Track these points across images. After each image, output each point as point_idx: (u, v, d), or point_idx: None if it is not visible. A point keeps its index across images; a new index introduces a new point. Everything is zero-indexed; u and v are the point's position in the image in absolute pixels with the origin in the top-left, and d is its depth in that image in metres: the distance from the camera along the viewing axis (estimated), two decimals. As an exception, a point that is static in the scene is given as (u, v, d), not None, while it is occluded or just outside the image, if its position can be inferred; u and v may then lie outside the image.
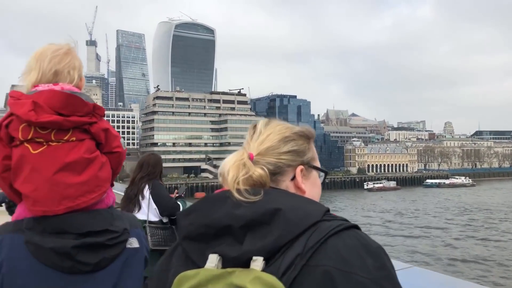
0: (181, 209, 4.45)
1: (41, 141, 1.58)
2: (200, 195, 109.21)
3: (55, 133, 1.58)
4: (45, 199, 1.54)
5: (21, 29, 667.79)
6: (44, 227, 1.55)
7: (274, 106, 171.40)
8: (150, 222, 4.41)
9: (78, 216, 1.58)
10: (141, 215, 4.34)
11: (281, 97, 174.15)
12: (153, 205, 4.42)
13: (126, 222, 1.71)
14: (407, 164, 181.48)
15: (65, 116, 1.58)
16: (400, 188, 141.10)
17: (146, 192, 4.44)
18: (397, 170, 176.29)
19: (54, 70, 1.74)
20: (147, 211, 4.41)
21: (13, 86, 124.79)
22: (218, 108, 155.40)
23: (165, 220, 4.50)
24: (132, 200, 4.45)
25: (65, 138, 1.60)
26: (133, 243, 1.70)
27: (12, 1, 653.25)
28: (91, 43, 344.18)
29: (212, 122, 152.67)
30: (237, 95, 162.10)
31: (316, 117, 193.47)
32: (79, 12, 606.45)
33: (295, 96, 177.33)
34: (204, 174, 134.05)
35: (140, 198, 4.43)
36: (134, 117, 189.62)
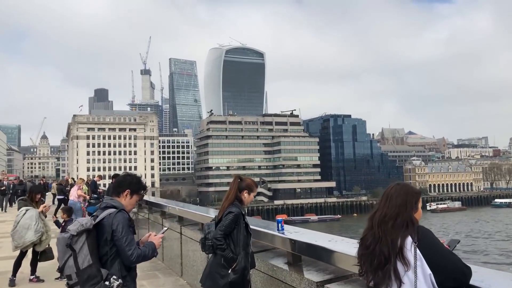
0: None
1: None
2: (281, 217, 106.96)
3: None
4: None
5: (79, 61, 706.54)
6: None
7: (328, 127, 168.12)
8: None
9: None
10: None
11: (335, 117, 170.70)
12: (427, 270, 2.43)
13: None
14: (471, 183, 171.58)
15: None
16: (466, 208, 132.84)
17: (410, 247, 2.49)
18: (461, 189, 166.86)
19: None
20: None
21: (74, 116, 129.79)
22: (270, 130, 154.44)
23: None
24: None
25: None
26: None
27: (69, 33, 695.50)
28: (146, 72, 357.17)
29: (265, 145, 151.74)
30: (289, 116, 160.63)
31: (371, 136, 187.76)
32: (133, 43, 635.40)
33: (350, 116, 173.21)
34: (258, 198, 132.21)
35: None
36: (188, 142, 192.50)
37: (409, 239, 2.47)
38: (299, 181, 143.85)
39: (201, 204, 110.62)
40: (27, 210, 7.90)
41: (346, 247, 3.71)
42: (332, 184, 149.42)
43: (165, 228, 4.06)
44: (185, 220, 8.55)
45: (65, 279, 7.83)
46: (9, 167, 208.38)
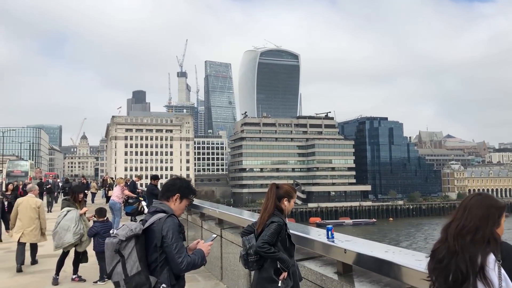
0: None
1: None
2: (315, 220, 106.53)
3: None
4: None
5: (117, 64, 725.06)
6: None
7: (363, 129, 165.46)
8: None
9: None
10: None
11: (371, 119, 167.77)
12: None
13: None
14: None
15: None
16: (509, 215, 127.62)
17: None
18: (503, 195, 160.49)
19: None
20: None
21: (113, 117, 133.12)
22: (305, 132, 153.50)
23: None
24: None
25: None
26: None
27: (107, 38, 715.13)
28: (182, 74, 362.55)
29: (299, 147, 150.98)
30: (324, 118, 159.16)
31: (408, 139, 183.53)
32: (170, 46, 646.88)
33: (386, 118, 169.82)
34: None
35: None
36: (222, 144, 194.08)
37: (491, 257, 2.22)
38: (333, 184, 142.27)
39: (234, 205, 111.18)
40: (68, 212, 7.99)
41: (406, 259, 3.46)
42: (367, 187, 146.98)
43: (214, 236, 3.87)
44: (225, 223, 8.44)
45: (103, 283, 7.92)
46: (51, 166, 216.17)
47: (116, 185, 15.85)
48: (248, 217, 7.07)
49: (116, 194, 14.95)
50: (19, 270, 9.11)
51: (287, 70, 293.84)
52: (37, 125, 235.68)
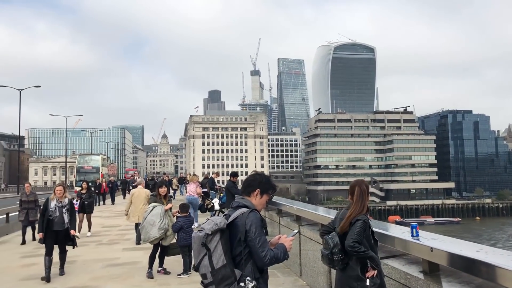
0: None
1: None
2: (394, 218, 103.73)
3: None
4: None
5: (193, 65, 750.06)
6: None
7: (445, 124, 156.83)
8: None
9: None
10: None
11: (454, 113, 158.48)
12: None
13: None
14: None
15: None
16: None
17: None
18: None
19: None
20: None
21: (191, 116, 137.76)
22: (382, 128, 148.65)
23: None
24: None
25: None
26: None
27: (183, 40, 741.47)
28: (255, 73, 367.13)
29: (377, 143, 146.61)
30: (403, 113, 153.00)
31: (496, 133, 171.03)
32: (244, 45, 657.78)
33: (471, 111, 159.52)
34: (370, 198, 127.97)
35: None
36: (296, 141, 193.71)
37: None
38: (413, 181, 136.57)
39: (310, 202, 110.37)
40: (154, 207, 8.40)
41: (501, 259, 3.25)
42: (451, 185, 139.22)
43: (296, 231, 3.90)
44: (303, 220, 8.44)
45: (186, 275, 8.25)
46: (134, 164, 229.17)
47: (190, 182, 16.37)
48: (327, 214, 7.01)
49: (193, 190, 15.49)
50: (138, 243, 11.03)
51: (363, 64, 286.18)
52: (121, 125, 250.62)
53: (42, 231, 8.47)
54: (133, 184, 25.75)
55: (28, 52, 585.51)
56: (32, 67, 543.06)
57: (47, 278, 8.18)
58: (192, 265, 3.41)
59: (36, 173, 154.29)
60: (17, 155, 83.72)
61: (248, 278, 3.10)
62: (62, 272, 8.76)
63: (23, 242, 13.37)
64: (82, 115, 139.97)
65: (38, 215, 9.92)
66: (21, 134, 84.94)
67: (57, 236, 8.58)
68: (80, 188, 16.45)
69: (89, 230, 15.11)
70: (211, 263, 3.06)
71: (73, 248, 8.87)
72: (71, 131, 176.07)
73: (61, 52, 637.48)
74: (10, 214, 17.10)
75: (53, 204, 8.56)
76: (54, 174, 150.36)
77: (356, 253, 3.77)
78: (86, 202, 15.36)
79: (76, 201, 14.85)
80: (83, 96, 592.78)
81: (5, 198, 44.16)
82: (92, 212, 16.02)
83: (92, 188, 20.54)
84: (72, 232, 8.79)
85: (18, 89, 51.15)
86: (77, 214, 13.68)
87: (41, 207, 8.91)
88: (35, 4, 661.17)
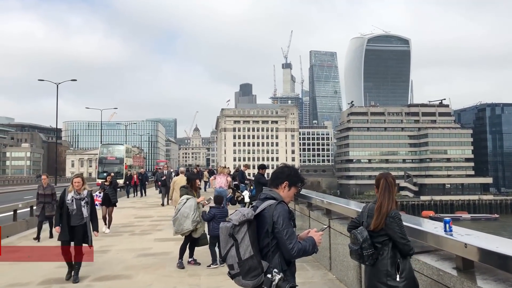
0: None
1: None
2: (428, 213, 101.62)
3: None
4: None
5: (225, 59, 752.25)
6: None
7: (483, 117, 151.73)
8: None
9: None
10: None
11: (492, 106, 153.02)
12: None
13: None
14: None
15: None
16: None
17: None
18: None
19: None
20: None
21: (222, 110, 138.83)
22: (417, 121, 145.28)
23: None
24: None
25: None
26: None
27: (214, 34, 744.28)
28: (287, 65, 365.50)
29: (411, 137, 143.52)
30: (438, 106, 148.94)
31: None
32: (275, 38, 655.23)
33: (511, 104, 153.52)
34: (403, 192, 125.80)
35: None
36: (328, 134, 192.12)
37: None
38: (448, 176, 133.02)
39: (341, 196, 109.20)
40: (187, 199, 8.50)
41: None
42: (488, 180, 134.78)
43: (326, 226, 3.88)
44: (333, 213, 8.36)
45: (215, 266, 8.34)
46: (167, 156, 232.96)
47: (219, 174, 16.44)
48: (357, 207, 6.91)
49: (222, 182, 15.55)
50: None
51: (397, 56, 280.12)
52: (155, 118, 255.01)
53: (59, 225, 7.69)
54: (162, 178, 24.77)
55: (64, 47, 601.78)
56: (67, 61, 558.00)
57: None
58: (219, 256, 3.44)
59: (72, 165, 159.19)
60: (55, 147, 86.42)
61: (275, 270, 3.08)
62: (76, 279, 7.60)
63: (37, 238, 12.17)
64: (116, 108, 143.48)
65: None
66: (58, 127, 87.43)
67: (74, 232, 7.60)
68: (103, 180, 15.51)
69: (108, 227, 13.80)
70: (238, 254, 3.06)
71: (89, 246, 7.71)
72: (106, 123, 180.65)
73: (96, 46, 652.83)
74: (18, 211, 15.34)
75: (70, 196, 7.71)
76: (90, 166, 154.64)
77: (410, 251, 3.85)
78: (109, 195, 14.26)
79: (99, 193, 14.36)
80: (117, 90, 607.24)
81: (25, 190, 41.75)
82: (115, 206, 14.63)
83: (117, 181, 19.28)
84: (94, 233, 7.96)
85: (55, 83, 52.85)
86: (99, 207, 13.18)
87: (58, 200, 8.09)
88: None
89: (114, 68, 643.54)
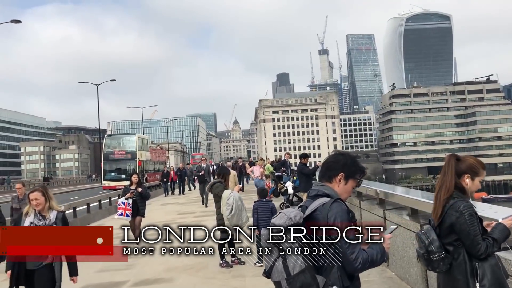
0: None
1: None
2: (480, 195, 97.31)
3: None
4: None
5: (259, 50, 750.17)
6: None
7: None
8: None
9: None
10: None
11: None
12: None
13: None
14: None
15: None
16: None
17: None
18: None
19: None
20: None
21: (260, 101, 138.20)
22: (463, 100, 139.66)
23: None
24: None
25: None
26: None
27: (246, 25, 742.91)
28: (323, 52, 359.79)
29: (457, 117, 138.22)
30: (485, 83, 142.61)
31: None
32: (309, 25, 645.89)
33: None
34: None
35: None
36: (370, 119, 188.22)
37: None
38: (500, 154, 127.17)
39: (387, 182, 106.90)
40: (231, 193, 8.10)
41: None
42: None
43: (395, 226, 2.86)
44: (387, 203, 7.57)
45: (260, 265, 7.65)
46: (209, 150, 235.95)
47: (256, 165, 16.26)
48: (419, 197, 6.10)
49: (257, 172, 15.48)
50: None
51: (438, 34, 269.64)
52: (195, 113, 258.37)
53: (11, 268, 4.56)
54: (200, 174, 21.31)
55: (101, 49, 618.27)
56: (105, 62, 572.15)
57: None
58: (263, 270, 2.63)
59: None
60: (100, 148, 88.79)
61: (335, 287, 2.47)
62: None
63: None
64: (157, 105, 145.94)
65: None
66: (102, 127, 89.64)
67: (31, 279, 4.58)
68: (128, 184, 11.23)
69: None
70: (286, 268, 2.45)
71: None
72: (148, 121, 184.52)
73: (131, 46, 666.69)
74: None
75: (28, 221, 4.63)
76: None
77: (491, 253, 2.84)
78: (138, 203, 10.76)
79: (127, 199, 10.57)
80: (155, 87, 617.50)
81: (72, 191, 42.04)
82: (144, 216, 11.01)
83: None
84: (73, 279, 4.74)
85: (95, 84, 53.96)
86: (130, 218, 10.40)
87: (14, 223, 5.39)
88: (103, 0, 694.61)
89: (150, 65, 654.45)
